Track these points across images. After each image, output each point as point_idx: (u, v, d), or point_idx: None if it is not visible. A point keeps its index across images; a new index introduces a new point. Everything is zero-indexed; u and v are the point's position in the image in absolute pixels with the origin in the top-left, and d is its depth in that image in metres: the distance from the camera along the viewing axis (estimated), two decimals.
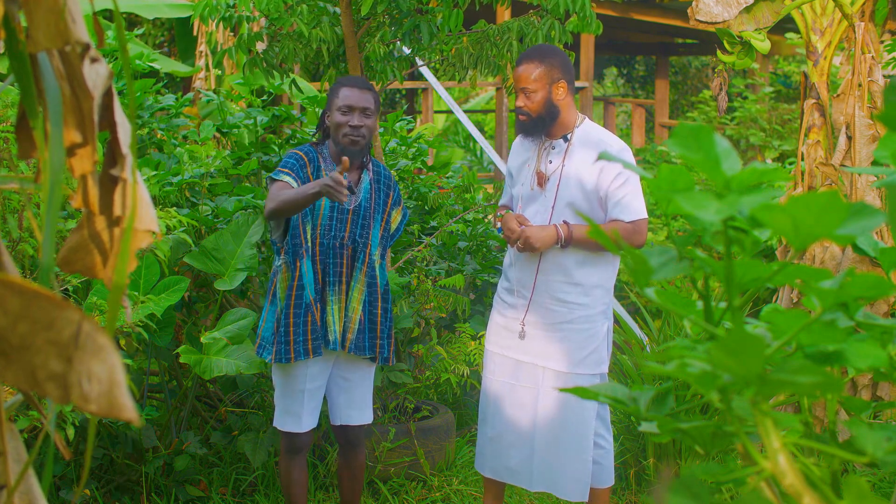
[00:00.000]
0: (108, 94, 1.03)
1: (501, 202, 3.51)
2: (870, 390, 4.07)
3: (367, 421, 3.36)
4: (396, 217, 3.39)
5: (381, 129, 5.40)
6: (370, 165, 3.32)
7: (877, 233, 3.96)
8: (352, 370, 3.31)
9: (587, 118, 3.31)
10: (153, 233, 1.02)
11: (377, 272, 3.26)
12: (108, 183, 1.04)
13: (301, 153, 3.24)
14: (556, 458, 3.21)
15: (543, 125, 3.21)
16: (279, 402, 3.26)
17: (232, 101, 5.50)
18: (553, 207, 3.20)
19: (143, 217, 1.01)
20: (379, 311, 3.26)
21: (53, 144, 0.96)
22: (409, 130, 6.43)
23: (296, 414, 3.22)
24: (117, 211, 1.02)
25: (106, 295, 3.27)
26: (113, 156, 1.03)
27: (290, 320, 3.14)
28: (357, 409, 3.33)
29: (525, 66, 3.19)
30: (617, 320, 4.52)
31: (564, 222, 3.17)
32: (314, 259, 3.18)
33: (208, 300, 4.22)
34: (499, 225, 3.32)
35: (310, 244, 3.17)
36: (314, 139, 3.36)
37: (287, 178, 3.15)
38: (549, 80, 3.17)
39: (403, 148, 5.45)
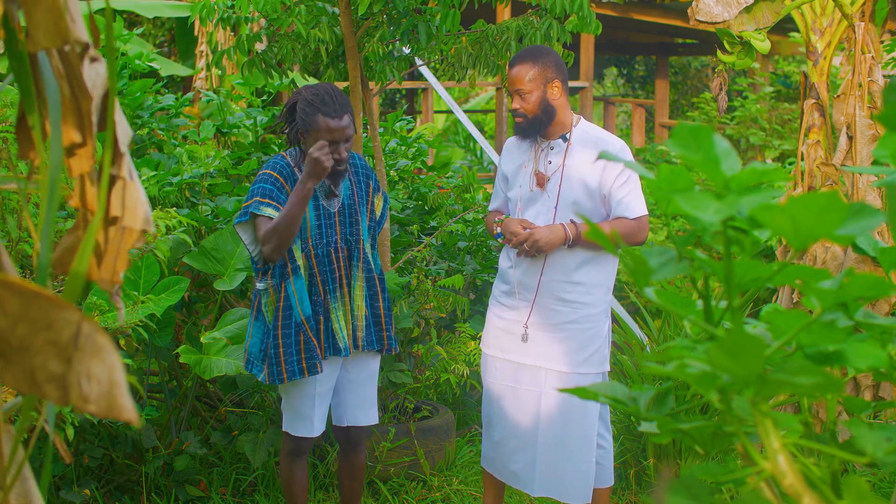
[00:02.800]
0: (107, 94, 1.03)
1: (493, 206, 3.49)
2: (872, 391, 4.06)
3: (373, 422, 3.34)
4: (378, 203, 3.33)
5: (381, 130, 5.40)
6: None
7: (877, 233, 3.96)
8: (359, 370, 3.29)
9: (583, 118, 3.31)
10: (148, 233, 1.02)
11: (371, 263, 3.25)
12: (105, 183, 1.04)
13: (275, 173, 3.09)
14: (559, 460, 3.21)
15: (541, 126, 3.20)
16: (290, 408, 3.21)
17: (232, 100, 5.50)
18: (556, 207, 3.19)
19: (138, 216, 1.01)
20: (381, 303, 3.25)
21: (53, 144, 0.95)
22: (409, 130, 6.42)
23: (308, 418, 3.19)
24: (114, 211, 1.01)
25: (105, 295, 3.27)
26: (111, 155, 1.03)
27: (279, 341, 3.08)
28: (363, 410, 3.31)
29: (518, 67, 3.17)
30: (617, 320, 4.52)
31: (571, 221, 3.16)
32: (312, 271, 3.12)
33: (208, 300, 4.22)
34: (497, 230, 3.29)
35: (302, 261, 3.11)
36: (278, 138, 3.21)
37: (272, 213, 3.02)
38: (543, 81, 3.16)
39: (403, 148, 5.45)
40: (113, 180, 1.03)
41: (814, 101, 4.15)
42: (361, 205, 3.24)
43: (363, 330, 3.21)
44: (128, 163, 1.04)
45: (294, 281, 3.09)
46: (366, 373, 3.30)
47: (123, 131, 1.03)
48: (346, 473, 3.39)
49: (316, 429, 3.21)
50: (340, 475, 3.41)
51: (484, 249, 5.05)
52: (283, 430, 3.25)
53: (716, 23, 4.07)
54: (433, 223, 5.17)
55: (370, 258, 3.24)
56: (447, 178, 5.81)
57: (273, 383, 3.12)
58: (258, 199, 3.04)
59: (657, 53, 13.30)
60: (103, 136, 1.05)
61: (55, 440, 0.99)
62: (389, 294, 3.34)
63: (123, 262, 1.00)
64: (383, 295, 3.26)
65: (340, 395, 3.30)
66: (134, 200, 1.02)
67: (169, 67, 7.58)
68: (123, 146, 1.02)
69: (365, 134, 4.45)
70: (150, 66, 5.31)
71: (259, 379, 3.16)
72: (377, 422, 3.37)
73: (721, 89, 4.42)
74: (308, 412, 3.18)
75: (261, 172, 3.13)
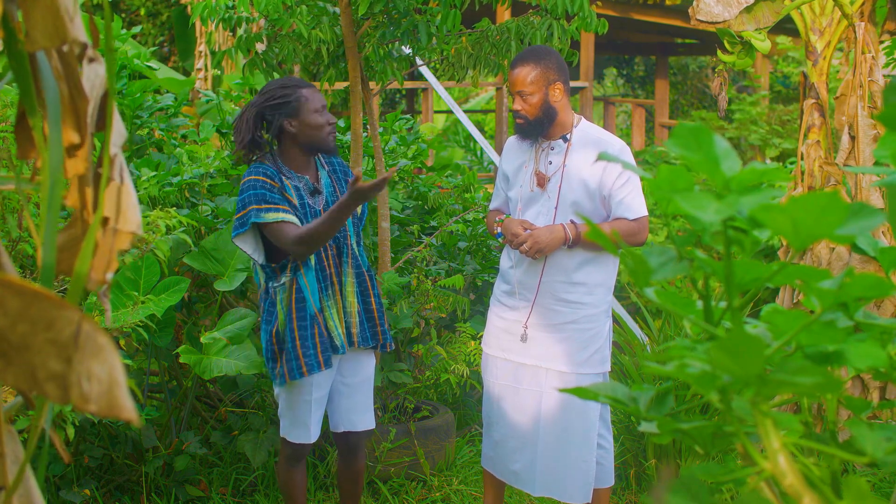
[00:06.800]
0: (105, 95, 1.03)
1: (493, 206, 3.49)
2: (880, 392, 4.05)
3: (370, 426, 3.32)
4: None
5: (381, 129, 5.40)
6: (322, 160, 3.27)
7: (882, 232, 3.96)
8: (353, 374, 3.28)
9: (584, 118, 3.30)
10: (137, 236, 1.02)
11: (360, 260, 3.25)
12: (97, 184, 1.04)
13: (263, 177, 3.08)
14: (559, 460, 3.21)
15: (542, 128, 3.19)
16: (286, 414, 3.20)
17: (231, 100, 5.50)
18: (556, 208, 3.19)
19: (128, 218, 1.01)
20: (372, 298, 3.25)
21: (52, 144, 0.95)
22: (409, 129, 6.43)
23: (305, 424, 3.18)
24: (105, 212, 1.01)
25: None
26: (109, 156, 1.03)
27: (296, 335, 3.07)
28: (359, 415, 3.30)
29: (520, 69, 3.15)
30: (617, 320, 4.52)
31: (571, 222, 3.16)
32: (314, 268, 3.12)
33: (208, 300, 4.22)
34: (498, 230, 3.29)
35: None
36: (253, 151, 3.15)
37: (280, 216, 3.01)
38: (545, 83, 3.14)
39: (403, 148, 5.45)
40: (105, 182, 1.02)
41: (813, 101, 4.15)
42: None
43: (357, 326, 3.20)
44: (120, 165, 1.04)
45: (306, 273, 3.09)
46: (361, 377, 3.29)
47: (118, 132, 1.03)
48: (345, 477, 3.38)
49: (312, 434, 3.20)
50: (340, 479, 3.40)
51: (484, 249, 5.05)
52: (281, 435, 3.25)
53: (716, 22, 4.07)
54: (433, 223, 5.17)
55: (358, 255, 3.25)
56: (447, 177, 5.80)
57: (293, 379, 3.08)
58: (255, 207, 3.02)
59: (657, 53, 13.30)
60: (101, 137, 1.05)
61: (54, 440, 1.00)
62: (380, 290, 3.33)
63: (112, 264, 0.99)
64: (374, 291, 3.26)
65: (336, 400, 3.29)
66: (125, 203, 1.02)
67: (165, 73, 7.58)
68: (115, 147, 1.02)
69: (365, 134, 4.45)
70: (150, 67, 5.31)
71: (281, 385, 3.14)
72: (373, 426, 3.35)
73: (721, 89, 4.42)
74: (305, 418, 3.17)
75: (247, 181, 3.09)
